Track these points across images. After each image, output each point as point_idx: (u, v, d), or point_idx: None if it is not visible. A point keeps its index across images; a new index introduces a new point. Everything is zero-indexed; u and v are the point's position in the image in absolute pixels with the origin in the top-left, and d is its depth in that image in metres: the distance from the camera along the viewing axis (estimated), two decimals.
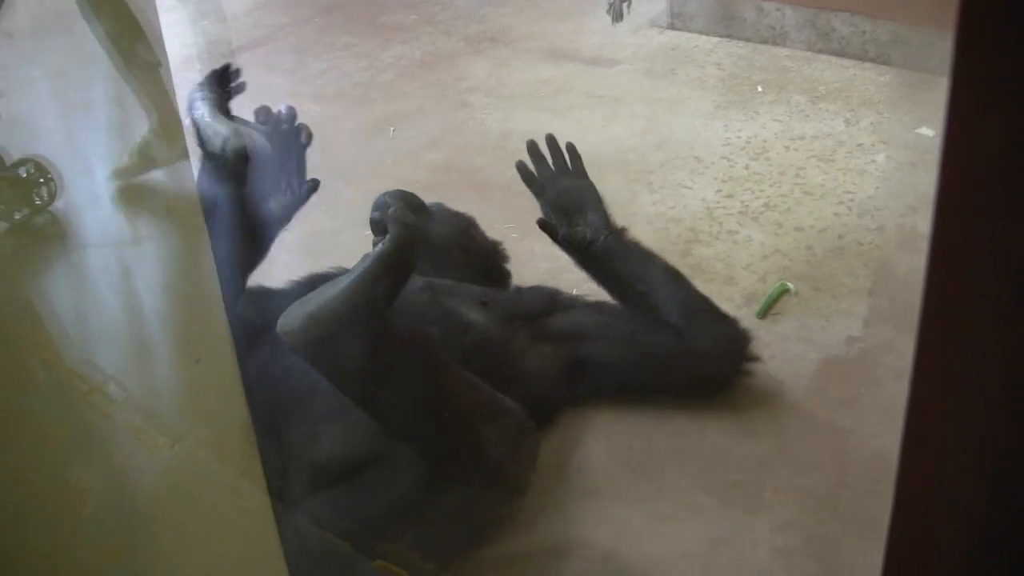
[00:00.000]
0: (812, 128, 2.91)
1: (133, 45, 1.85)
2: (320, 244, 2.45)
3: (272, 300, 1.80)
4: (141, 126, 1.96)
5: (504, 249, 2.16)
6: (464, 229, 2.12)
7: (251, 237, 1.86)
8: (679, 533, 1.66)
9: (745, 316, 2.08)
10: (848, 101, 3.05)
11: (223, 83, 1.91)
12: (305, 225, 2.55)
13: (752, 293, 2.21)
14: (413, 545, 1.52)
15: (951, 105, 0.52)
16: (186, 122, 1.81)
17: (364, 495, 1.55)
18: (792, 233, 2.43)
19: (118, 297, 1.42)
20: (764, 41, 3.51)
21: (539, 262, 2.28)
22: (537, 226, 1.98)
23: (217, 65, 1.95)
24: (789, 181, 2.65)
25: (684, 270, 2.05)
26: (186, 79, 2.00)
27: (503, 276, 2.14)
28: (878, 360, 1.98)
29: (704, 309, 1.98)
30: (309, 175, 1.91)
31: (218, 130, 1.80)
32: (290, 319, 1.47)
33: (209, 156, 1.81)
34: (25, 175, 2.23)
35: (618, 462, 1.83)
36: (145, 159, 2.01)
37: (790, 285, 2.21)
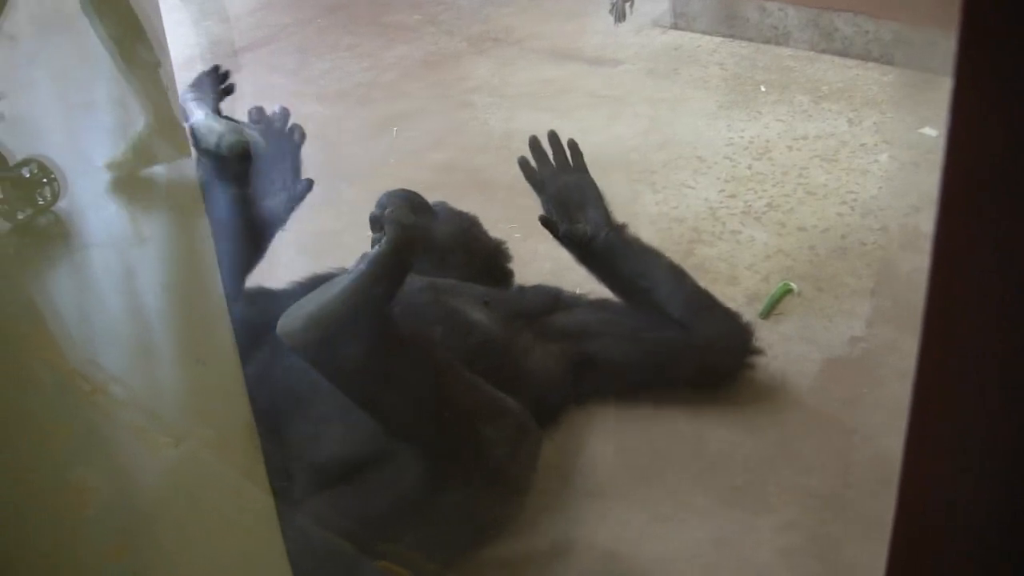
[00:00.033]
0: (815, 128, 2.91)
1: (134, 45, 1.85)
2: (323, 244, 2.45)
3: (274, 301, 1.80)
4: (139, 123, 1.96)
5: (507, 248, 2.17)
6: (467, 229, 2.12)
7: (248, 238, 1.87)
8: (681, 533, 1.66)
9: (748, 316, 2.08)
10: (851, 101, 3.05)
11: (214, 84, 1.92)
12: (308, 225, 2.55)
13: (755, 293, 2.21)
14: (415, 545, 1.52)
15: (954, 105, 0.52)
16: (186, 124, 1.81)
17: (366, 495, 1.55)
18: (795, 233, 2.43)
19: (121, 297, 1.43)
20: (767, 41, 3.50)
21: (542, 262, 2.27)
22: (539, 223, 1.98)
23: (220, 66, 1.96)
24: (792, 181, 2.65)
25: (687, 270, 2.04)
26: (189, 79, 2.00)
27: (506, 276, 2.14)
28: (881, 360, 1.97)
29: (706, 304, 1.98)
30: (312, 175, 1.91)
31: (213, 128, 1.81)
32: (290, 320, 1.47)
33: (206, 154, 1.81)
34: (28, 175, 2.23)
35: (621, 462, 1.83)
36: (138, 154, 2.02)
37: (793, 285, 2.20)
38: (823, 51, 3.37)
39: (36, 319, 1.24)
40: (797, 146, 2.82)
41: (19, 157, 2.19)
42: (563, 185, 2.04)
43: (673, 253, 2.08)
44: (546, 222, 1.98)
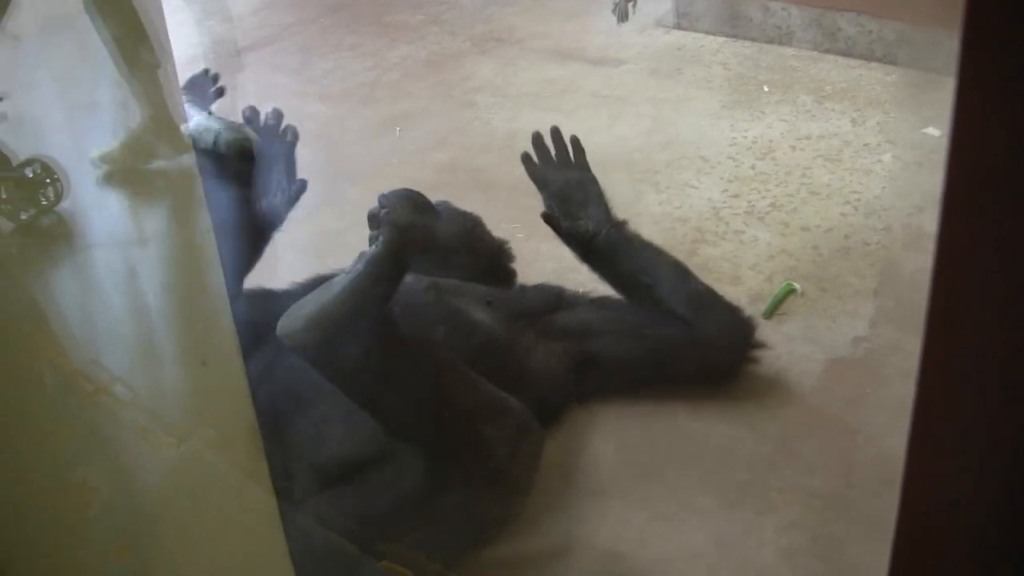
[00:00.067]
0: (818, 128, 2.91)
1: (135, 45, 1.86)
2: (326, 244, 2.46)
3: (276, 301, 1.80)
4: (136, 120, 1.96)
5: (510, 248, 2.17)
6: (470, 228, 2.12)
7: (246, 239, 1.87)
8: (684, 533, 1.66)
9: (751, 316, 2.08)
10: (854, 101, 3.04)
11: (205, 87, 1.92)
12: (311, 225, 2.56)
13: (758, 293, 2.21)
14: (417, 545, 1.52)
15: (957, 105, 0.52)
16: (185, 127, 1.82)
17: (367, 495, 1.55)
18: (798, 233, 2.43)
19: (124, 298, 1.43)
20: (770, 41, 3.50)
21: (545, 262, 2.27)
22: (542, 220, 1.99)
23: (209, 69, 1.97)
24: (795, 181, 2.65)
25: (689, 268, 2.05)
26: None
27: (509, 275, 2.14)
28: (884, 360, 1.97)
29: (708, 299, 1.98)
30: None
31: (209, 126, 1.81)
32: (289, 321, 1.48)
33: (206, 154, 1.81)
34: (32, 175, 2.24)
35: (623, 461, 1.83)
36: (131, 150, 2.02)
37: (796, 285, 2.20)
38: (826, 51, 3.37)
39: (39, 319, 1.24)
40: (800, 146, 2.82)
41: (22, 157, 2.19)
42: (565, 182, 2.05)
43: (676, 253, 2.08)
44: (548, 219, 1.99)
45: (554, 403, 1.86)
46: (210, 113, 1.86)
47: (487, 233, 2.15)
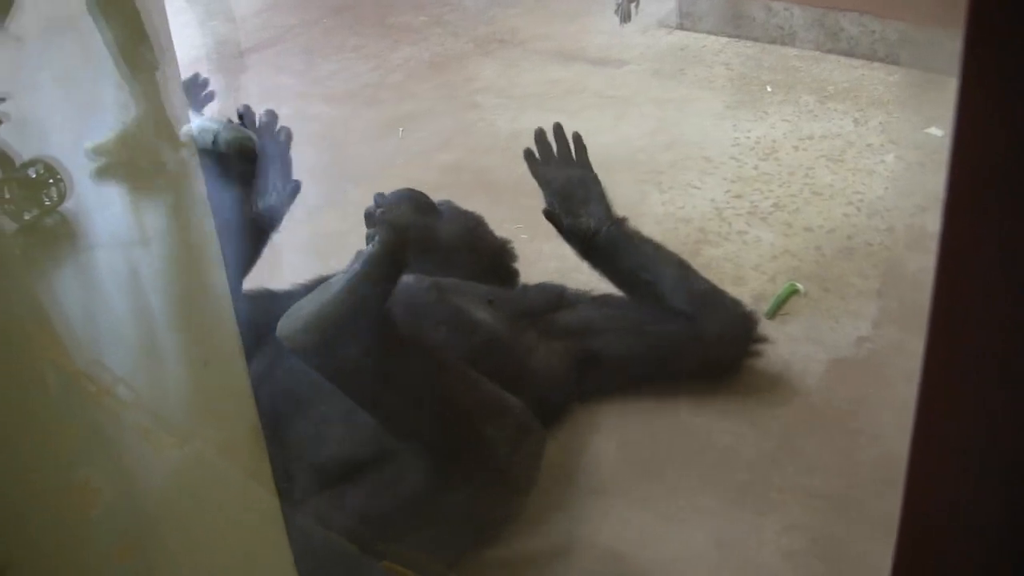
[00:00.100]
0: (821, 128, 2.91)
1: (136, 46, 1.86)
2: (329, 245, 2.46)
3: (277, 302, 1.81)
4: (131, 115, 1.96)
5: (512, 248, 2.17)
6: (472, 228, 2.13)
7: (245, 239, 1.87)
8: (685, 533, 1.66)
9: (753, 310, 2.08)
10: (857, 101, 3.04)
11: (196, 91, 1.93)
12: (315, 226, 2.56)
13: (761, 293, 2.21)
14: (418, 545, 1.52)
15: (960, 105, 0.52)
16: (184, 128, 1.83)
17: (369, 495, 1.55)
18: (801, 233, 2.43)
19: (127, 298, 1.43)
20: (773, 41, 3.50)
21: (547, 261, 2.27)
22: (544, 217, 1.99)
23: (199, 74, 1.97)
24: (798, 181, 2.65)
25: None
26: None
27: (511, 275, 2.14)
28: (887, 361, 1.97)
29: (709, 293, 1.98)
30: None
31: (207, 126, 1.81)
32: (289, 322, 1.48)
33: (207, 154, 1.82)
34: (35, 176, 2.24)
35: (625, 461, 1.83)
36: (125, 142, 2.02)
37: (799, 286, 2.20)
38: (829, 51, 3.37)
39: (42, 319, 1.24)
40: (803, 146, 2.82)
41: (25, 158, 2.20)
42: (566, 179, 2.05)
43: (679, 253, 2.08)
44: (550, 215, 2.00)
45: (555, 402, 1.86)
46: (201, 115, 1.87)
47: (489, 233, 2.16)
